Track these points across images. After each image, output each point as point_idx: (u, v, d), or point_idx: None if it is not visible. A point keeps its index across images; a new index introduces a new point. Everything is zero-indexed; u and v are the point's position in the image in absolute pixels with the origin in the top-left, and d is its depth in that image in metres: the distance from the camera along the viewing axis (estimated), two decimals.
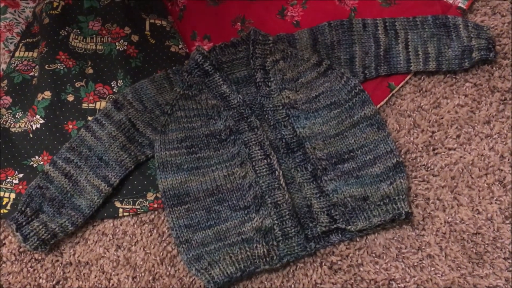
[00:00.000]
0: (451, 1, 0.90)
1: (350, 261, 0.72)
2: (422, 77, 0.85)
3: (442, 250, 0.72)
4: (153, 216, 0.78)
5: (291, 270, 0.72)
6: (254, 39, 0.85)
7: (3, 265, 0.75)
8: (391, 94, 0.84)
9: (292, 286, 0.71)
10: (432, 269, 0.71)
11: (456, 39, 0.84)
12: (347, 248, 0.73)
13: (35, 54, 0.90)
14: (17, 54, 0.91)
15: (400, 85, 0.85)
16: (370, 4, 0.91)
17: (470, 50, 0.83)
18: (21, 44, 0.92)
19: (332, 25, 0.87)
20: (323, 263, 0.72)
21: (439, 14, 0.88)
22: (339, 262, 0.72)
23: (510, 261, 0.71)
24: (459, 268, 0.71)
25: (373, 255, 0.73)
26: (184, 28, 0.93)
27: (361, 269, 0.72)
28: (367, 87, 0.84)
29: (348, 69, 0.84)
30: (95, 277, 0.74)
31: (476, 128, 0.81)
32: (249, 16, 0.92)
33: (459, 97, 0.83)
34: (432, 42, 0.85)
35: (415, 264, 0.72)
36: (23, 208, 0.75)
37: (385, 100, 0.84)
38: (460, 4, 0.90)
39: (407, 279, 0.71)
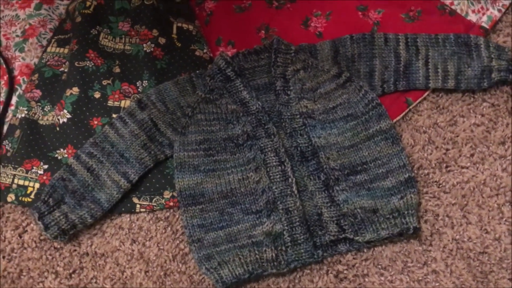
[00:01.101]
0: (474, 20, 0.91)
1: (356, 271, 0.74)
2: (440, 94, 0.86)
3: (448, 267, 0.74)
4: (168, 213, 0.81)
5: (298, 276, 0.74)
6: (276, 48, 0.87)
7: (24, 251, 0.79)
8: (408, 110, 0.85)
9: None
10: (437, 284, 0.73)
11: (476, 59, 0.85)
12: (353, 258, 0.75)
13: (66, 51, 0.94)
14: (49, 49, 0.95)
15: (417, 101, 0.86)
16: (394, 19, 0.93)
17: (490, 71, 0.84)
18: (53, 40, 0.96)
19: (354, 38, 0.89)
20: (330, 271, 0.74)
21: (461, 33, 0.89)
22: (345, 271, 0.74)
23: None
24: (463, 286, 0.72)
25: (379, 266, 0.74)
26: (209, 33, 0.96)
27: (366, 279, 0.74)
28: (385, 101, 0.85)
29: (367, 82, 0.86)
30: (110, 269, 0.77)
31: (490, 148, 0.81)
32: (274, 24, 0.95)
33: (475, 116, 0.84)
34: (453, 60, 0.86)
35: (420, 278, 0.73)
36: (46, 198, 0.79)
37: (401, 115, 0.85)
38: (483, 24, 0.91)
39: None
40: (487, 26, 0.91)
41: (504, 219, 0.76)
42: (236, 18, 0.96)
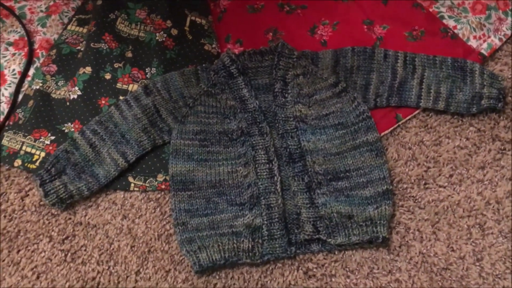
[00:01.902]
0: (474, 46, 0.95)
1: (324, 271, 0.79)
2: (430, 114, 0.90)
3: (411, 278, 0.78)
4: (159, 195, 0.87)
5: (270, 268, 0.80)
6: (280, 51, 0.92)
7: (24, 213, 0.85)
8: (396, 125, 0.89)
9: (268, 282, 0.79)
10: None
11: (469, 84, 0.89)
12: (324, 258, 0.80)
13: (84, 30, 1.00)
14: (69, 27, 1.01)
15: (407, 118, 0.90)
16: (397, 36, 0.96)
17: (480, 97, 0.88)
18: (74, 19, 1.02)
19: (355, 50, 0.93)
20: (300, 268, 0.80)
21: (459, 57, 0.92)
22: (314, 270, 0.79)
23: None
24: None
25: (347, 269, 0.79)
26: (220, 30, 1.00)
27: (333, 280, 0.79)
28: (376, 114, 0.89)
29: (361, 95, 0.90)
30: (99, 240, 0.83)
31: (470, 171, 0.85)
32: (282, 28, 0.99)
33: (460, 139, 0.88)
34: (446, 83, 0.89)
35: (383, 285, 0.78)
36: (48, 167, 0.85)
37: (390, 129, 0.89)
38: (482, 51, 0.94)
39: None
40: (485, 53, 0.94)
41: (471, 240, 0.80)
42: (247, 18, 1.01)
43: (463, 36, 0.95)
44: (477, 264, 0.78)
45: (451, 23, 0.96)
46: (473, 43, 0.95)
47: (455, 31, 0.96)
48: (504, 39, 0.95)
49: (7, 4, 1.03)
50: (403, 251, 0.80)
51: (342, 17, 0.99)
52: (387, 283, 0.78)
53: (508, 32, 0.96)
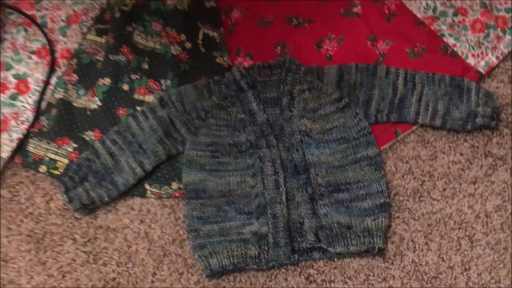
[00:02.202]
0: (472, 64, 1.00)
1: (324, 277, 0.87)
2: (427, 130, 0.96)
3: (403, 285, 0.86)
4: (173, 202, 0.94)
5: (275, 273, 0.87)
6: (288, 67, 0.97)
7: (49, 216, 0.93)
8: (395, 140, 0.95)
9: (272, 286, 0.86)
10: None
11: (465, 102, 0.94)
12: (324, 265, 0.87)
13: (103, 40, 1.05)
14: (88, 36, 1.06)
15: (405, 133, 0.96)
16: (399, 52, 1.01)
17: (475, 115, 0.93)
18: (93, 28, 1.07)
19: (359, 67, 0.98)
20: (302, 273, 0.87)
21: (457, 75, 0.97)
22: (315, 275, 0.87)
23: None
24: None
25: (345, 275, 0.87)
26: (231, 42, 1.05)
27: (332, 285, 0.86)
28: (377, 129, 0.95)
29: (363, 110, 0.96)
30: (119, 242, 0.91)
31: (462, 185, 0.92)
32: (290, 43, 1.04)
33: (455, 154, 0.94)
34: (444, 101, 0.95)
35: None
36: (72, 175, 0.92)
37: (389, 144, 0.95)
38: (479, 69, 0.99)
39: None
40: (483, 71, 0.99)
41: (460, 251, 0.87)
42: (257, 32, 1.05)
43: (462, 54, 1.00)
44: (465, 273, 0.86)
45: (451, 41, 1.01)
46: (471, 61, 1.00)
47: (455, 49, 1.01)
48: (501, 57, 1.00)
49: (29, 12, 1.08)
50: (397, 260, 0.87)
51: (347, 32, 1.04)
52: None
53: (506, 50, 1.00)
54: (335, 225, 0.88)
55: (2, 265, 0.90)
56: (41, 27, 1.06)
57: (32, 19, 1.07)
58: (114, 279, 0.88)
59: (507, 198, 0.90)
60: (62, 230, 0.92)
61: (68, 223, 0.92)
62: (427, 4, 1.03)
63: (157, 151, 0.94)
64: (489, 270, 0.86)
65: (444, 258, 0.87)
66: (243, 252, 0.87)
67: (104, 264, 0.89)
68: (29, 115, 1.00)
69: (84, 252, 0.90)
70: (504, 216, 0.89)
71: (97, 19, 1.08)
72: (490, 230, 0.88)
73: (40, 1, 1.08)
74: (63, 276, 0.89)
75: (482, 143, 0.95)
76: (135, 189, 0.94)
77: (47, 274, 0.89)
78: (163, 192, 0.94)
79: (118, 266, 0.89)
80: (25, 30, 1.07)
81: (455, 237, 0.88)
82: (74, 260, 0.90)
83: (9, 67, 1.03)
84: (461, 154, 0.94)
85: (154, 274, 0.88)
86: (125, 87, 1.00)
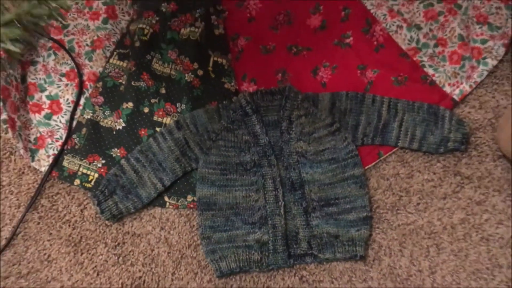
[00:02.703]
0: (448, 92, 1.14)
1: (315, 277, 1.04)
2: (406, 151, 1.12)
3: (380, 285, 1.03)
4: (188, 212, 1.10)
5: (274, 274, 1.05)
6: (287, 94, 1.12)
7: (84, 223, 1.10)
8: (378, 160, 1.11)
9: (272, 285, 1.04)
10: None
11: (440, 128, 1.09)
12: (315, 268, 1.05)
13: (124, 64, 1.19)
14: (111, 61, 1.20)
15: (387, 155, 1.11)
16: (385, 80, 1.15)
17: (447, 140, 1.09)
18: (115, 53, 1.21)
19: (349, 95, 1.13)
20: (296, 274, 1.05)
21: (434, 102, 1.12)
22: (307, 276, 1.05)
23: None
24: None
25: (332, 277, 1.04)
26: (238, 68, 1.19)
27: (321, 284, 1.04)
28: (362, 150, 1.11)
29: (351, 134, 1.11)
30: (143, 246, 1.08)
31: (433, 201, 1.08)
32: (289, 70, 1.18)
33: (428, 173, 1.10)
34: (421, 127, 1.10)
35: None
36: (102, 189, 1.09)
37: (373, 164, 1.11)
38: (454, 96, 1.14)
39: None
40: (457, 99, 1.14)
41: (428, 257, 1.04)
42: (261, 59, 1.19)
43: (440, 83, 1.14)
44: (431, 276, 1.03)
45: (430, 71, 1.15)
46: (447, 89, 1.14)
47: (434, 78, 1.15)
48: (474, 86, 1.14)
49: (57, 37, 1.22)
50: (375, 263, 1.05)
51: (340, 61, 1.18)
52: None
53: (478, 80, 1.14)
54: (325, 234, 1.05)
55: (46, 265, 1.07)
56: (69, 52, 1.20)
57: (61, 45, 1.20)
58: (140, 277, 1.06)
59: (470, 212, 1.07)
60: (95, 235, 1.09)
61: (100, 229, 1.10)
62: (411, 37, 1.17)
63: (174, 169, 1.10)
64: (451, 273, 1.03)
65: (415, 263, 1.04)
66: (247, 257, 1.04)
67: (132, 265, 1.07)
68: (62, 133, 1.15)
69: (115, 254, 1.08)
70: (467, 228, 1.06)
71: (118, 44, 1.22)
72: (455, 239, 1.05)
73: (67, 27, 1.22)
74: (98, 274, 1.07)
75: (452, 163, 1.10)
76: (156, 201, 1.10)
77: (84, 272, 1.07)
78: (179, 204, 1.10)
79: (143, 266, 1.07)
80: (55, 54, 1.21)
81: (425, 245, 1.05)
82: (106, 261, 1.07)
83: (43, 89, 1.18)
84: (434, 173, 1.10)
85: (173, 273, 1.06)
86: (146, 110, 1.15)
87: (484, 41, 1.16)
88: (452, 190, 1.09)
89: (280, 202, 1.07)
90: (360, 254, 1.03)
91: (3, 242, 1.08)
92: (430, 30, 1.18)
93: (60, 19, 0.89)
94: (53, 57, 1.20)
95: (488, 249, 1.04)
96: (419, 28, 1.18)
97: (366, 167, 1.11)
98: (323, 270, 1.05)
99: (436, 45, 1.17)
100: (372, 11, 1.19)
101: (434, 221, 1.07)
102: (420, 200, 1.08)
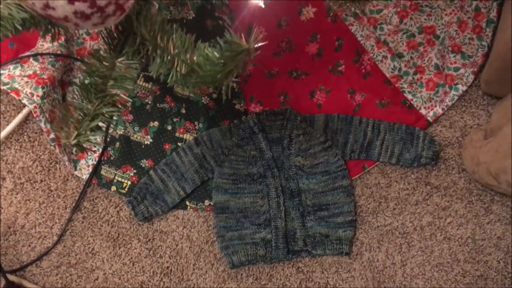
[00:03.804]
0: (424, 114, 1.35)
1: (308, 268, 1.30)
2: (386, 165, 1.34)
3: (361, 275, 1.29)
4: (206, 214, 1.34)
5: (276, 266, 1.30)
6: (288, 116, 1.33)
7: (120, 222, 1.34)
8: (363, 172, 1.34)
9: (274, 274, 1.29)
10: (352, 282, 1.28)
11: (414, 147, 1.32)
12: (309, 261, 1.30)
13: (149, 86, 1.40)
14: (138, 82, 1.41)
15: (370, 168, 1.34)
16: (371, 103, 1.36)
17: (420, 157, 1.31)
18: (141, 75, 1.41)
19: (340, 117, 1.34)
20: (293, 266, 1.30)
21: (411, 122, 1.34)
22: (302, 267, 1.30)
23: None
24: (366, 285, 1.28)
25: (322, 268, 1.30)
26: (246, 91, 1.40)
27: (314, 274, 1.29)
28: (350, 164, 1.33)
29: (341, 150, 1.33)
30: (169, 242, 1.32)
31: (407, 206, 1.32)
32: (290, 92, 1.39)
33: (404, 183, 1.33)
34: (399, 145, 1.32)
35: (343, 278, 1.29)
36: (135, 195, 1.32)
37: (358, 175, 1.34)
38: (428, 118, 1.35)
39: (337, 285, 1.29)
40: (431, 120, 1.35)
41: (401, 252, 1.29)
42: (265, 83, 1.40)
43: (417, 106, 1.36)
44: (402, 268, 1.28)
45: (409, 96, 1.36)
46: (423, 111, 1.35)
47: (412, 102, 1.36)
48: (445, 109, 1.36)
49: None
50: (358, 257, 1.30)
51: (333, 85, 1.38)
52: (346, 277, 1.29)
53: (450, 103, 1.35)
54: (317, 234, 1.29)
55: (90, 256, 1.32)
56: None
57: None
58: (167, 267, 1.31)
59: (437, 216, 1.31)
60: (130, 232, 1.33)
61: (133, 227, 1.34)
62: (394, 66, 1.37)
63: (194, 179, 1.33)
64: (419, 266, 1.28)
65: (389, 257, 1.29)
66: (254, 252, 1.29)
67: (160, 257, 1.32)
68: (99, 140, 1.37)
69: (146, 248, 1.32)
70: (433, 229, 1.30)
71: (143, 67, 1.42)
72: (423, 238, 1.30)
73: (99, 52, 1.41)
74: (133, 264, 1.32)
75: (424, 175, 1.33)
76: (179, 204, 1.34)
77: (122, 263, 1.32)
78: (198, 207, 1.34)
79: (170, 258, 1.32)
80: None
81: (398, 243, 1.30)
82: (139, 254, 1.32)
83: (81, 100, 1.39)
84: (408, 183, 1.33)
85: (194, 264, 1.31)
86: (169, 127, 1.37)
87: (456, 69, 1.37)
88: (423, 198, 1.32)
89: (281, 207, 1.30)
90: (346, 251, 1.28)
91: (55, 238, 1.33)
92: (411, 58, 1.38)
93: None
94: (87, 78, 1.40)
95: (450, 247, 1.29)
96: (401, 56, 1.38)
97: (353, 178, 1.34)
98: (315, 262, 1.30)
99: (415, 73, 1.37)
100: (361, 41, 1.39)
101: (407, 223, 1.31)
102: (396, 205, 1.32)
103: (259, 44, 0.78)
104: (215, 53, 0.81)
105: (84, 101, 0.85)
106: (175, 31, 0.87)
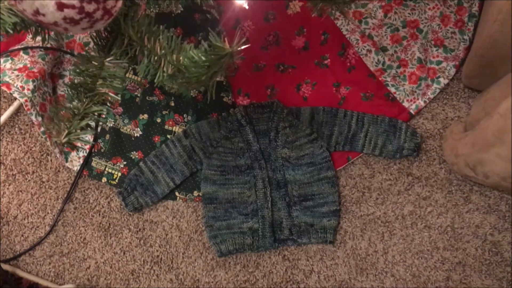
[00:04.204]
0: (406, 106, 1.39)
1: (294, 256, 1.34)
2: (369, 156, 1.39)
3: (344, 262, 1.34)
4: (195, 204, 1.38)
5: (262, 254, 1.35)
6: (275, 109, 1.37)
7: (111, 212, 1.37)
8: (347, 163, 1.38)
9: (261, 262, 1.34)
10: (336, 269, 1.33)
11: (397, 139, 1.36)
12: (295, 249, 1.35)
13: (138, 79, 1.42)
14: (127, 75, 1.43)
15: (354, 159, 1.38)
16: (355, 96, 1.40)
17: (402, 148, 1.35)
18: (130, 68, 1.43)
19: (325, 109, 1.38)
20: (279, 254, 1.35)
21: (394, 115, 1.38)
22: (288, 256, 1.34)
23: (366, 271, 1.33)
24: (349, 272, 1.33)
25: (307, 256, 1.34)
26: (234, 83, 1.43)
27: (299, 262, 1.34)
28: (334, 155, 1.37)
29: (326, 142, 1.37)
30: (159, 231, 1.36)
31: (389, 196, 1.36)
32: (277, 85, 1.42)
33: (386, 174, 1.37)
34: (382, 137, 1.36)
35: (328, 265, 1.34)
36: (126, 186, 1.35)
37: (342, 166, 1.38)
38: (411, 110, 1.39)
39: (321, 272, 1.34)
40: (413, 112, 1.39)
41: (383, 241, 1.34)
42: (253, 76, 1.43)
43: (400, 99, 1.39)
44: (384, 256, 1.33)
45: (392, 89, 1.40)
46: (406, 104, 1.39)
47: (395, 95, 1.40)
48: (427, 101, 1.40)
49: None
50: (341, 245, 1.35)
51: (319, 79, 1.41)
52: (330, 265, 1.34)
53: (431, 96, 1.39)
54: (303, 223, 1.33)
55: (82, 246, 1.36)
56: None
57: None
58: (157, 256, 1.35)
59: (418, 206, 1.35)
60: (120, 222, 1.37)
61: (124, 217, 1.37)
62: (378, 59, 1.40)
63: (183, 170, 1.37)
64: (400, 253, 1.33)
65: (372, 245, 1.34)
66: (242, 241, 1.33)
67: (150, 246, 1.36)
68: (89, 138, 1.40)
69: (137, 237, 1.36)
70: (414, 218, 1.35)
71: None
72: (404, 227, 1.35)
73: (88, 44, 1.44)
74: (124, 253, 1.36)
75: (406, 166, 1.38)
76: (168, 195, 1.38)
77: (113, 252, 1.36)
78: (187, 198, 1.38)
79: (159, 247, 1.36)
80: None
81: (381, 231, 1.35)
82: (130, 243, 1.36)
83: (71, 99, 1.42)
84: (391, 174, 1.38)
85: (183, 253, 1.36)
86: (158, 120, 1.39)
87: (439, 62, 1.40)
88: (405, 188, 1.37)
89: (268, 198, 1.34)
90: (330, 239, 1.32)
91: (47, 228, 1.36)
92: (395, 51, 1.41)
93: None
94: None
95: (430, 235, 1.34)
96: (385, 50, 1.41)
97: (337, 169, 1.38)
98: (301, 251, 1.35)
99: (398, 66, 1.41)
100: (347, 36, 1.41)
101: (389, 212, 1.36)
102: (379, 195, 1.37)
103: (242, 47, 0.81)
104: (200, 55, 0.84)
105: (74, 100, 0.88)
106: (161, 32, 0.90)
